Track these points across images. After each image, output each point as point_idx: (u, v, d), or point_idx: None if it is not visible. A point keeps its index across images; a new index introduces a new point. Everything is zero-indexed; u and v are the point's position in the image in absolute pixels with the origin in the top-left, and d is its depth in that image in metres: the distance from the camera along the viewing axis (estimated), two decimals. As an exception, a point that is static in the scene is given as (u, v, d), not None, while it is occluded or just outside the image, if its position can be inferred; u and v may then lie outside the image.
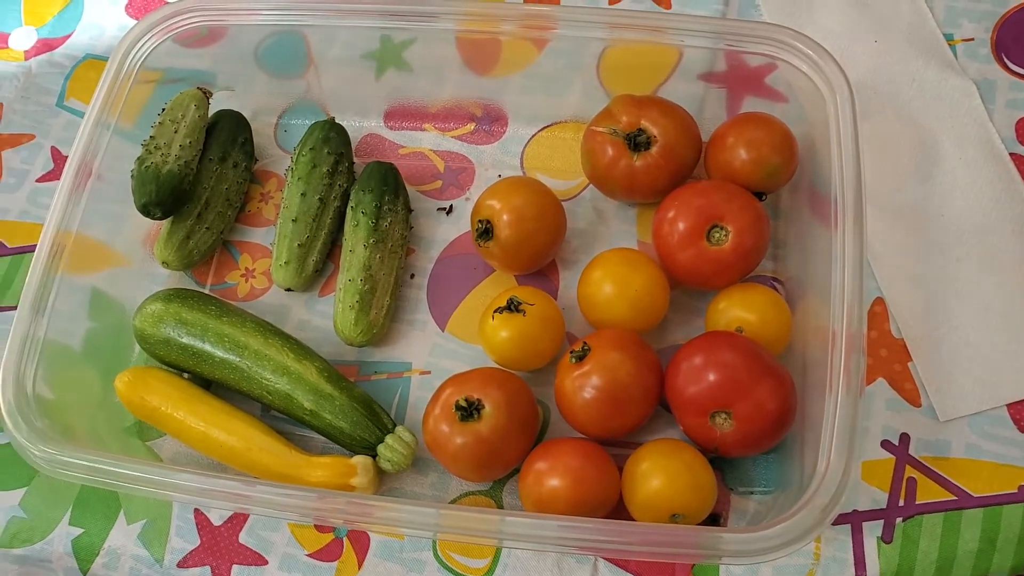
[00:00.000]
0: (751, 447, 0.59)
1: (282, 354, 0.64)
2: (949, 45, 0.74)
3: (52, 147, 0.79)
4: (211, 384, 0.67)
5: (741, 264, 0.63)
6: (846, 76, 0.63)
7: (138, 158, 0.68)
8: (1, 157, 0.79)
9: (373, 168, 0.71)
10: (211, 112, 0.75)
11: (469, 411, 0.59)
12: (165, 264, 0.70)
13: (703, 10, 0.78)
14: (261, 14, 0.70)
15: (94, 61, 0.82)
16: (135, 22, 0.81)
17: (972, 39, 0.74)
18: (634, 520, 0.59)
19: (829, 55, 0.64)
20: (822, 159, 0.67)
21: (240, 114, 0.75)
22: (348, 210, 0.70)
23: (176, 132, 0.69)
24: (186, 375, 0.67)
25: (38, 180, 0.78)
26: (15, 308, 0.71)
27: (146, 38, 0.70)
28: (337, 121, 0.76)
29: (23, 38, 0.84)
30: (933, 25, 0.75)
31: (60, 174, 0.76)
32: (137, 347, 0.69)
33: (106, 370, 0.67)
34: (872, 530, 0.61)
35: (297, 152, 0.71)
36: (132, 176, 0.68)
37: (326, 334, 0.69)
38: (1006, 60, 0.73)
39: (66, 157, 0.77)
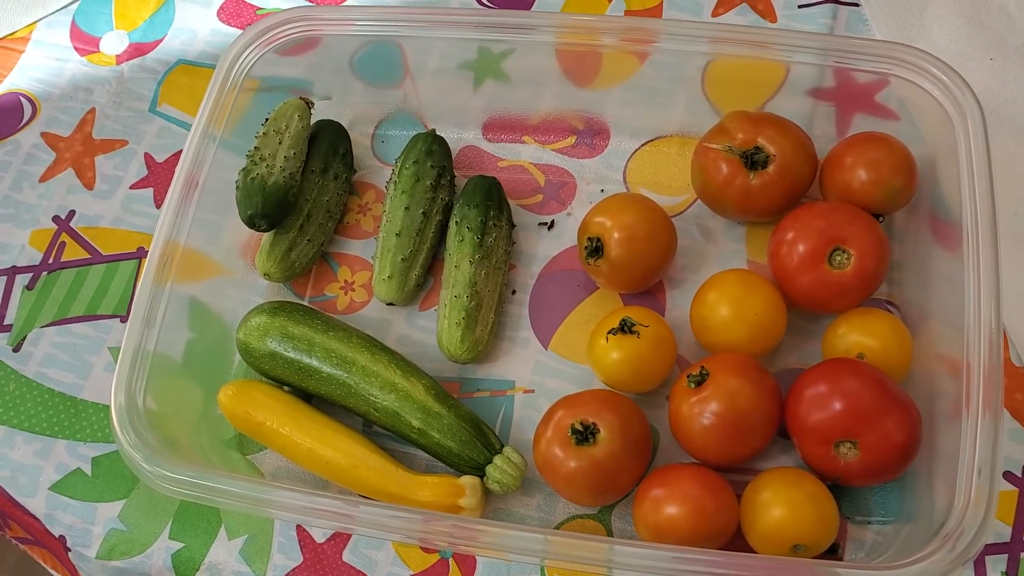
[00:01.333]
0: (875, 477, 0.57)
1: (389, 370, 0.63)
2: (1068, 64, 0.72)
3: (145, 153, 0.78)
4: (311, 398, 0.66)
5: (862, 288, 0.62)
6: (975, 96, 0.61)
7: (243, 169, 0.68)
8: (95, 163, 0.78)
9: (477, 182, 0.69)
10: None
11: (585, 435, 0.57)
12: (267, 276, 0.70)
13: (811, 24, 0.76)
14: (359, 24, 0.70)
15: (186, 67, 0.82)
16: (233, 29, 0.83)
17: (1091, 57, 0.72)
18: (751, 550, 0.57)
19: (956, 73, 0.62)
20: (944, 181, 0.65)
21: (340, 124, 0.74)
22: (452, 224, 0.69)
23: (280, 143, 0.68)
24: (287, 388, 0.66)
25: (132, 187, 0.77)
26: (112, 316, 0.72)
27: (250, 49, 0.70)
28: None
29: (115, 42, 0.84)
30: (1052, 43, 0.73)
31: (153, 181, 0.77)
32: (236, 358, 0.68)
33: (206, 382, 0.67)
34: (996, 565, 0.59)
35: (400, 164, 0.70)
36: (237, 187, 0.67)
37: (427, 349, 0.68)
38: None
39: (159, 163, 0.78)
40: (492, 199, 0.68)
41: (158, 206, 0.76)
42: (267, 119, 0.70)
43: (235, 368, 0.69)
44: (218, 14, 0.84)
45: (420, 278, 0.69)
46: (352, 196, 0.75)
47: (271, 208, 0.66)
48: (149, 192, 0.77)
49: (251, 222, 0.67)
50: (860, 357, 0.60)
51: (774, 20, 0.77)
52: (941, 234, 0.65)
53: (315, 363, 0.63)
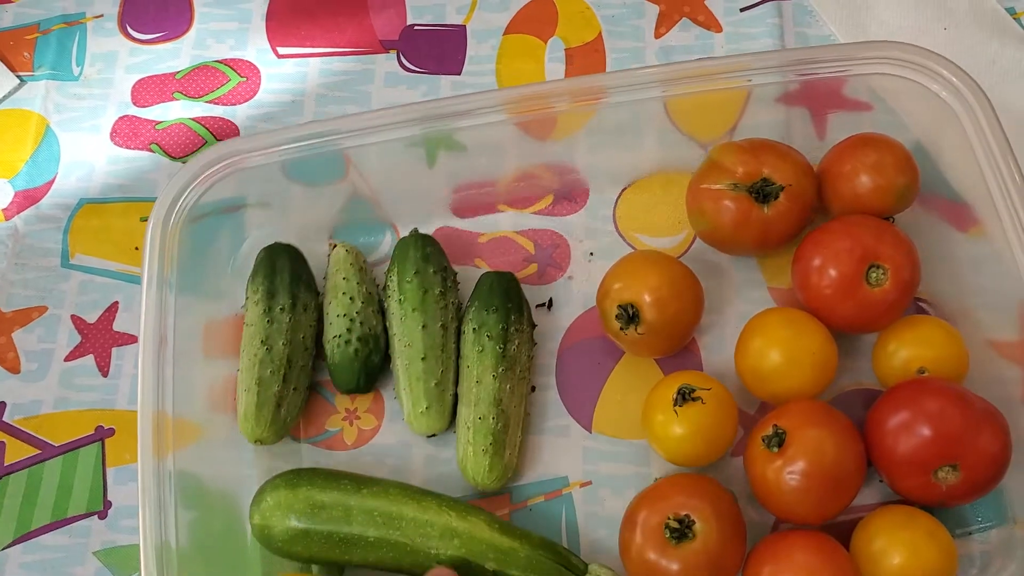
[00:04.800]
0: (978, 493, 0.55)
1: (443, 515, 0.55)
2: (1015, 19, 0.72)
3: (72, 316, 0.68)
4: (343, 570, 0.58)
5: (903, 301, 0.59)
6: (971, 78, 0.59)
7: (337, 336, 0.62)
8: (12, 341, 0.67)
9: (493, 281, 0.63)
10: (255, 246, 0.66)
11: (682, 531, 0.53)
12: (259, 442, 0.61)
13: (758, 26, 0.73)
14: (299, 144, 0.62)
15: (92, 206, 0.71)
16: (134, 152, 0.73)
17: (1034, 10, 0.72)
18: (877, 605, 0.54)
19: (944, 60, 0.60)
20: (944, 162, 0.64)
21: (293, 247, 0.66)
22: (468, 330, 0.62)
23: (357, 300, 0.63)
24: (315, 569, 0.58)
25: (67, 359, 0.66)
26: (87, 515, 0.62)
27: (187, 192, 0.61)
28: (397, 222, 0.68)
29: (-3, 195, 0.72)
30: (993, 2, 0.72)
31: (91, 347, 0.67)
32: (248, 536, 0.60)
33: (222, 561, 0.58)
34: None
35: (397, 278, 0.63)
36: (332, 358, 0.63)
37: (454, 468, 0.61)
38: (1070, 26, 0.72)
39: (92, 324, 0.68)
40: (512, 300, 0.62)
41: (104, 375, 0.66)
42: (324, 276, 0.65)
43: (249, 544, 0.60)
44: (111, 137, 0.73)
45: (454, 397, 0.62)
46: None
47: (373, 381, 0.63)
48: (90, 360, 0.66)
49: (348, 392, 0.63)
50: (921, 372, 0.58)
51: (719, 29, 0.74)
52: (953, 217, 0.63)
53: (357, 530, 0.55)
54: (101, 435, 0.64)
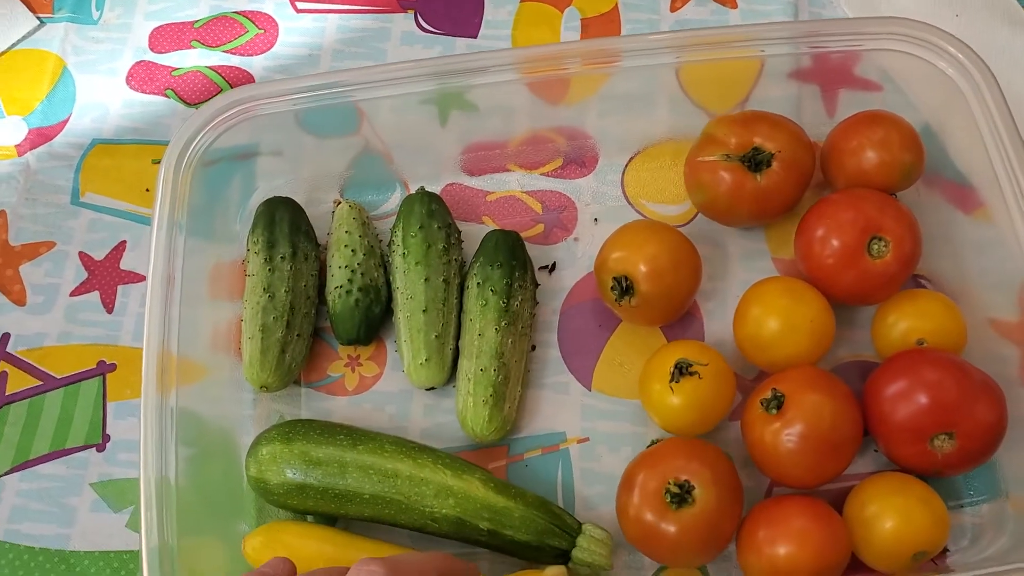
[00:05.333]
0: (973, 463, 0.56)
1: (439, 473, 0.56)
2: (1025, 9, 0.73)
3: (80, 252, 0.68)
4: (336, 520, 0.58)
5: (904, 273, 0.60)
6: (980, 58, 0.60)
7: (339, 287, 0.63)
8: (20, 274, 0.68)
9: (499, 238, 0.63)
10: (266, 195, 0.67)
11: (683, 495, 0.53)
12: (264, 388, 0.61)
13: (773, 4, 0.74)
14: (312, 93, 0.63)
15: (105, 146, 0.71)
16: (149, 96, 0.73)
17: (1044, 1, 0.73)
18: (867, 568, 0.55)
19: (953, 38, 0.61)
20: (950, 144, 0.64)
21: (292, 200, 0.66)
22: (472, 285, 0.62)
23: (362, 254, 0.64)
24: (310, 518, 0.58)
25: (72, 294, 0.67)
26: (85, 447, 0.62)
27: (202, 134, 0.62)
28: (407, 178, 0.69)
29: (11, 131, 0.72)
30: (1006, -9, 0.73)
31: (97, 283, 0.67)
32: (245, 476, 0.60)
33: (217, 500, 0.59)
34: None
35: (402, 232, 0.63)
36: (330, 306, 0.63)
37: (454, 420, 0.61)
38: (1080, 18, 0.73)
39: (99, 262, 0.68)
40: (516, 258, 0.62)
41: (109, 311, 0.66)
42: (329, 233, 0.66)
43: (245, 486, 0.60)
44: (127, 81, 0.74)
45: (455, 351, 0.62)
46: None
47: (375, 331, 0.63)
48: (95, 296, 0.67)
49: (349, 343, 0.64)
50: (920, 343, 0.58)
51: (734, 6, 0.74)
52: (958, 199, 0.64)
53: (353, 486, 0.55)
54: (103, 370, 0.65)
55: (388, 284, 0.64)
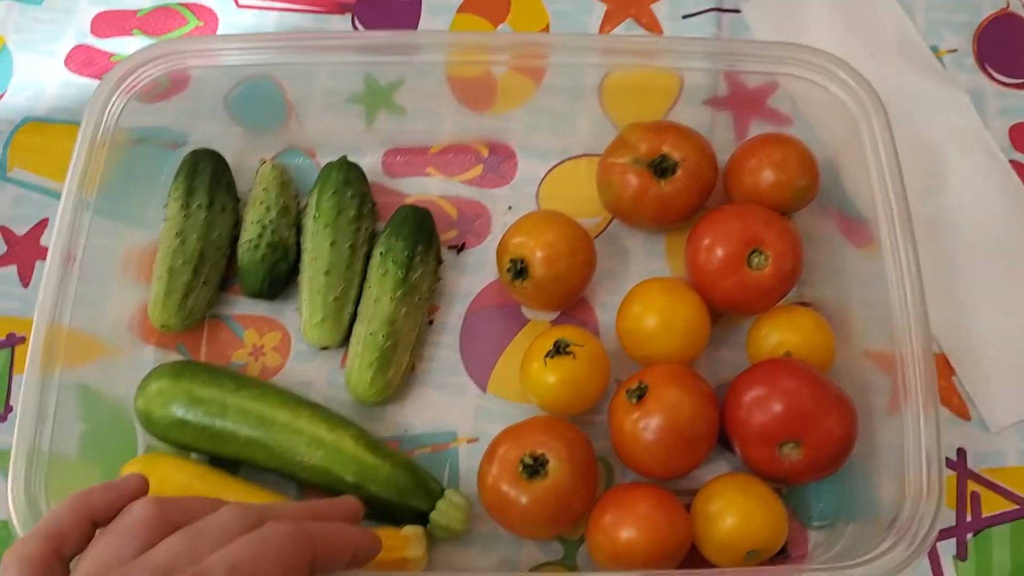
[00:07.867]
0: (817, 475, 0.58)
1: (313, 425, 0.58)
2: (937, 57, 0.75)
3: (2, 227, 0.70)
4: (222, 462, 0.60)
5: (781, 288, 0.62)
6: (873, 89, 0.63)
7: (248, 240, 0.65)
8: (-57, 245, 0.69)
9: (408, 213, 0.66)
10: (184, 153, 0.69)
11: (536, 468, 0.55)
12: (164, 327, 0.64)
13: (697, 33, 0.76)
14: (227, 53, 0.65)
15: (36, 124, 0.74)
16: (86, 79, 0.75)
17: (956, 50, 0.76)
18: (705, 562, 0.57)
19: (848, 66, 0.64)
20: (847, 178, 0.67)
21: (219, 154, 0.69)
22: (376, 254, 0.65)
23: (275, 212, 0.66)
24: (194, 455, 0.61)
25: (-9, 268, 0.69)
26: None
27: (116, 96, 0.64)
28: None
29: (-57, 103, 0.74)
30: (919, 38, 0.76)
31: (15, 257, 0.69)
32: (140, 440, 0.62)
33: (110, 471, 0.60)
34: (947, 549, 0.60)
35: (316, 197, 0.66)
36: (240, 258, 0.66)
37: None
38: (989, 69, 0.75)
39: (20, 237, 0.70)
40: (423, 232, 0.65)
41: (25, 285, 0.68)
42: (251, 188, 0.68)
43: (141, 451, 0.62)
44: (65, 63, 0.76)
45: (353, 316, 0.64)
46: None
47: (278, 288, 0.65)
48: (12, 270, 0.69)
49: (253, 296, 0.66)
50: (787, 355, 0.60)
51: (660, 33, 0.77)
52: (849, 232, 0.66)
53: (230, 427, 0.58)
54: (12, 342, 0.66)
55: (299, 245, 0.66)
